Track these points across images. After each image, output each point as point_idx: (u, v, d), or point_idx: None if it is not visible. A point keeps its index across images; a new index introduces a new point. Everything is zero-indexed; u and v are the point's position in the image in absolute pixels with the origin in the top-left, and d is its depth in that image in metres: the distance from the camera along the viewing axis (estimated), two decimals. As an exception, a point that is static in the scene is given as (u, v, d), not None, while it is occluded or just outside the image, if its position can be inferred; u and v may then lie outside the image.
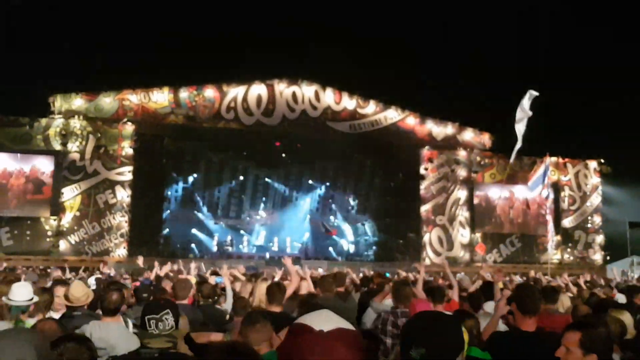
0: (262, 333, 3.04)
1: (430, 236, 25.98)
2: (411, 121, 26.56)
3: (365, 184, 29.20)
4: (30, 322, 4.20)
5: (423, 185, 26.20)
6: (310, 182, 29.97)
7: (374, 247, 28.13)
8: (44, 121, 22.13)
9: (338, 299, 5.68)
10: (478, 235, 26.77)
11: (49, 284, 7.20)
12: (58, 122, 22.16)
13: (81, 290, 4.82)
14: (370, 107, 26.11)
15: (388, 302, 6.11)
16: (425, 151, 26.42)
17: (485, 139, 27.90)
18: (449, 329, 1.70)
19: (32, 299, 4.45)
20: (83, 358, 2.51)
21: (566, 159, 28.47)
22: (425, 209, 26.10)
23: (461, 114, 28.12)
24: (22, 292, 4.47)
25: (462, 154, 26.82)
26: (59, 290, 5.18)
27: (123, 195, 22.43)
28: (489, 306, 5.63)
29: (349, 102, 25.80)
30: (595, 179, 28.70)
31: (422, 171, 26.27)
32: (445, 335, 1.67)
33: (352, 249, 29.54)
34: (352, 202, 30.36)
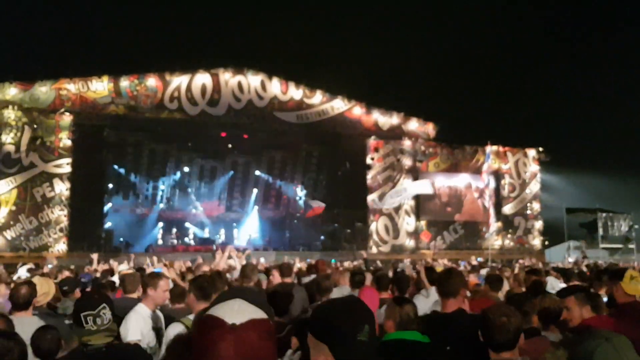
0: None
1: (377, 225, 26.31)
2: (357, 111, 26.76)
3: (312, 174, 29.26)
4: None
5: (370, 175, 26.48)
6: (257, 173, 29.75)
7: (322, 237, 28.25)
8: (-25, 111, 21.01)
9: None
10: (423, 223, 27.32)
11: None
12: (-9, 112, 21.08)
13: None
14: (317, 97, 26.13)
15: (345, 289, 6.20)
16: (372, 141, 26.68)
17: (429, 128, 28.48)
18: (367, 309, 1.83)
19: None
20: (14, 352, 2.41)
21: (506, 148, 29.39)
22: (372, 198, 26.40)
23: (406, 104, 28.62)
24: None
25: (407, 143, 27.22)
26: None
27: (62, 189, 21.60)
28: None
29: (295, 92, 25.73)
30: (534, 167, 29.78)
31: (368, 161, 26.54)
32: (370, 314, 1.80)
33: (301, 239, 29.54)
34: (299, 192, 30.36)
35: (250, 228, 29.30)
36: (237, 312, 1.28)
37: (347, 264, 15.57)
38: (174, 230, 27.02)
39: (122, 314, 3.93)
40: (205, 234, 27.90)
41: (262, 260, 16.13)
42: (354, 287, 6.07)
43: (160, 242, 26.36)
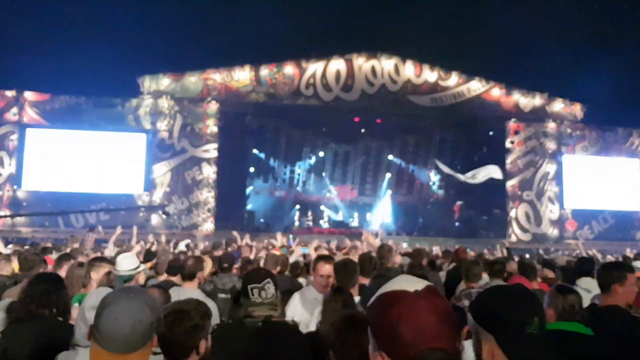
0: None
1: (517, 212, 25.08)
2: (496, 92, 25.57)
3: (447, 158, 28.54)
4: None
5: (509, 160, 25.28)
6: (390, 157, 29.69)
7: (457, 224, 27.55)
8: (134, 101, 23.22)
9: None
10: (568, 211, 25.56)
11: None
12: (147, 102, 23.19)
13: None
14: (453, 79, 25.35)
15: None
16: (512, 124, 25.42)
17: (577, 110, 26.43)
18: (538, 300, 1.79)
19: (136, 268, 4.69)
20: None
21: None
22: (511, 183, 25.20)
23: (550, 84, 26.79)
24: (126, 263, 4.70)
25: (551, 125, 25.58)
26: None
27: (209, 172, 23.25)
28: (584, 282, 5.41)
29: (430, 75, 25.18)
30: (700, 150, 26.57)
31: (508, 145, 25.34)
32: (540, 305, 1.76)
33: (434, 225, 29.06)
34: (433, 177, 29.83)
35: (382, 212, 29.39)
36: (410, 281, 1.29)
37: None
38: (310, 212, 27.91)
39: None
40: (339, 217, 28.48)
41: (404, 245, 16.10)
42: (492, 277, 5.85)
43: (297, 223, 27.36)
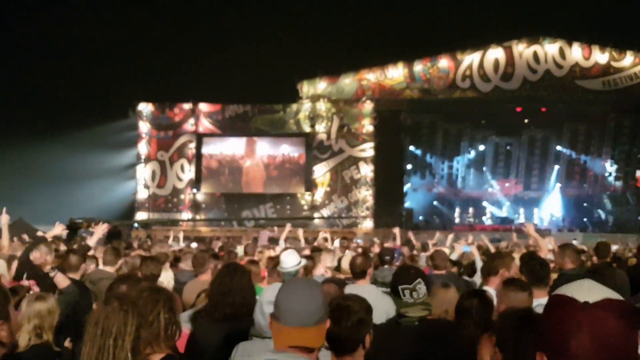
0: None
1: None
2: (682, 69, 22.61)
3: (625, 146, 25.91)
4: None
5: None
6: (558, 148, 27.67)
7: (639, 218, 24.79)
8: (294, 106, 24.47)
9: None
10: None
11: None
12: (306, 106, 24.28)
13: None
14: (627, 59, 23.08)
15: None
16: (703, 103, 22.32)
17: None
18: None
19: (299, 264, 5.00)
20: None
21: None
22: None
23: None
24: (289, 260, 5.02)
25: None
26: None
27: (366, 171, 23.70)
28: None
29: (600, 56, 23.16)
30: None
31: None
32: None
33: (611, 219, 26.51)
34: (609, 168, 27.18)
35: (551, 207, 27.49)
36: (588, 290, 1.17)
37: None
38: (471, 209, 27.06)
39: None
40: (503, 213, 27.22)
41: (574, 242, 14.92)
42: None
43: (457, 220, 26.70)
